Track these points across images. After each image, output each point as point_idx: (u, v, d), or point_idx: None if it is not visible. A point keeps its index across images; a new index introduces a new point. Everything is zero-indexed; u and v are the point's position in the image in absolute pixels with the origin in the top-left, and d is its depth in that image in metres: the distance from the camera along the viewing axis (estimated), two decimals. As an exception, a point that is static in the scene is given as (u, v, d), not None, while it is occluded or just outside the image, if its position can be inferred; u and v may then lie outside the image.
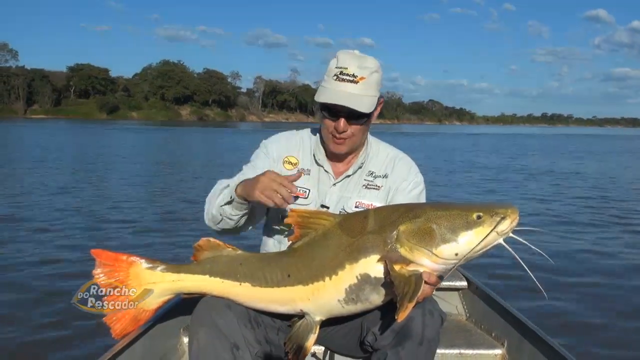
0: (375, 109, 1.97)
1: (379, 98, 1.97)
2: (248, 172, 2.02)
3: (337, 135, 1.94)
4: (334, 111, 1.91)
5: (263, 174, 1.79)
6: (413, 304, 1.54)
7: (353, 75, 1.88)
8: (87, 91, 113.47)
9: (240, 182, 1.86)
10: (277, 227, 2.06)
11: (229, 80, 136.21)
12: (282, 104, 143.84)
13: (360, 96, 1.88)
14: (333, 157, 2.06)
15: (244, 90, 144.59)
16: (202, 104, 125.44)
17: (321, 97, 1.90)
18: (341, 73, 1.89)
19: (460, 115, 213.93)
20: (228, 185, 1.91)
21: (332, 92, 1.89)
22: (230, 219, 1.91)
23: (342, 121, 1.91)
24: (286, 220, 1.83)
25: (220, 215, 1.90)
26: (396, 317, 1.52)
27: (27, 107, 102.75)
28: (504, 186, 14.17)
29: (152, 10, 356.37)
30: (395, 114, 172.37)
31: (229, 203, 1.87)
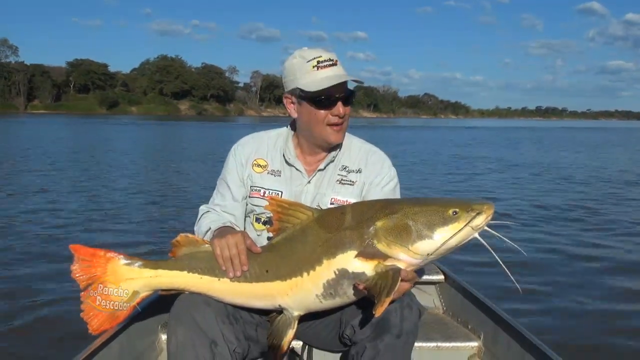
0: None
1: None
2: (222, 190, 2.08)
3: (340, 121, 1.93)
4: (331, 98, 1.89)
5: (233, 235, 1.78)
6: (390, 298, 1.56)
7: (330, 60, 1.90)
8: (87, 86, 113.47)
9: (218, 229, 1.90)
10: (252, 229, 2.07)
11: (227, 74, 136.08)
12: (280, 98, 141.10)
13: (347, 75, 1.91)
14: (315, 149, 2.03)
15: (241, 84, 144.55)
16: (200, 98, 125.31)
17: (319, 86, 1.86)
18: (318, 62, 1.89)
19: (456, 108, 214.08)
20: (210, 229, 1.94)
21: (325, 79, 1.87)
22: None
23: (340, 105, 1.91)
24: (265, 207, 1.85)
25: None
26: (374, 312, 1.55)
27: (27, 102, 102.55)
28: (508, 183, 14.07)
29: (143, 4, 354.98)
30: (391, 108, 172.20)
31: None
